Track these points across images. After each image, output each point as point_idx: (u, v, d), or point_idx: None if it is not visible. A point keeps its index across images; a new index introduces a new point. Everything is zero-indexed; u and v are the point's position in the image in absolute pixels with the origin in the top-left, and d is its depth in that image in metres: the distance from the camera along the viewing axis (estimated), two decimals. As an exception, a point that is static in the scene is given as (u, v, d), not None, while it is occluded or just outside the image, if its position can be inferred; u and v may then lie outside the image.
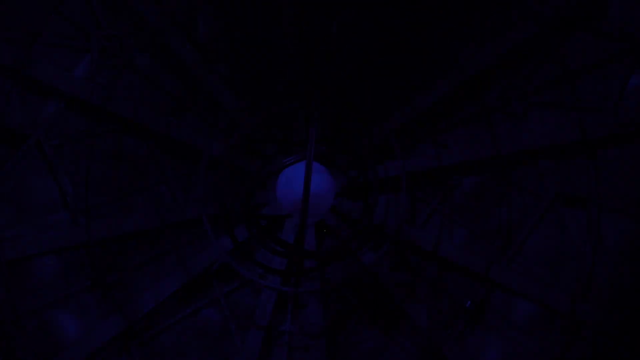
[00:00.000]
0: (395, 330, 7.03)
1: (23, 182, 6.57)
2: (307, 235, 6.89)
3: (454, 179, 6.95)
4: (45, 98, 6.54)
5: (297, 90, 7.09)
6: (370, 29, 6.92)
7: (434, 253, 6.78)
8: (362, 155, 6.96)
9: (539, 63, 6.69)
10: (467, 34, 6.80)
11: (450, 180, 6.95)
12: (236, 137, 6.91)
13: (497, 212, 6.81)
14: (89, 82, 6.58)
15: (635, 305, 6.30)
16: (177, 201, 7.02)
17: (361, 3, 6.83)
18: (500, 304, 6.74)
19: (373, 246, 6.92)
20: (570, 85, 6.49)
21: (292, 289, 6.84)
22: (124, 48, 6.72)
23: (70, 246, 6.53)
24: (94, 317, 6.61)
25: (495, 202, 6.81)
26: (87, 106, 6.59)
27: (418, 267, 7.00)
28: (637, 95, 6.39)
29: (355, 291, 7.09)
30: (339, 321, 7.08)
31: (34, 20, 6.45)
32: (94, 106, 6.57)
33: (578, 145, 6.42)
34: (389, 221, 6.93)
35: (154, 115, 6.80)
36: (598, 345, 6.35)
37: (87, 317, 6.61)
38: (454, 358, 6.71)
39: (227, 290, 7.09)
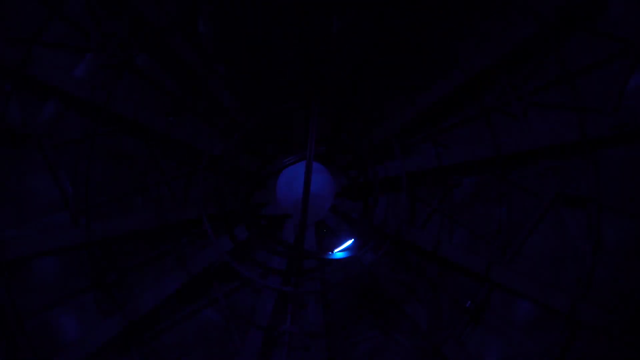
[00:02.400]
0: (395, 330, 7.04)
1: (23, 182, 6.56)
2: (307, 235, 6.89)
3: (454, 179, 6.95)
4: (45, 98, 6.53)
5: (297, 90, 7.09)
6: (370, 29, 6.91)
7: (434, 253, 6.78)
8: (362, 155, 6.96)
9: (539, 63, 6.69)
10: (467, 34, 6.80)
11: (450, 180, 6.95)
12: (236, 137, 6.91)
13: (497, 212, 6.81)
14: (89, 82, 6.57)
15: (635, 305, 6.30)
16: (177, 201, 7.02)
17: (361, 3, 6.83)
18: (500, 304, 6.75)
19: (373, 246, 6.92)
20: (570, 85, 6.48)
21: (292, 289, 6.84)
22: (124, 48, 6.71)
23: (70, 246, 6.53)
24: (94, 317, 6.61)
25: (495, 202, 6.81)
26: (87, 106, 6.58)
27: (418, 267, 7.00)
28: (637, 95, 6.38)
29: (356, 291, 7.09)
30: (338, 321, 7.08)
31: (34, 20, 6.44)
32: (94, 106, 6.56)
33: (578, 146, 6.41)
34: (389, 221, 6.93)
35: (154, 115, 6.80)
36: (598, 345, 6.35)
37: (87, 317, 6.61)
38: (454, 358, 6.71)
39: (227, 290, 7.09)
